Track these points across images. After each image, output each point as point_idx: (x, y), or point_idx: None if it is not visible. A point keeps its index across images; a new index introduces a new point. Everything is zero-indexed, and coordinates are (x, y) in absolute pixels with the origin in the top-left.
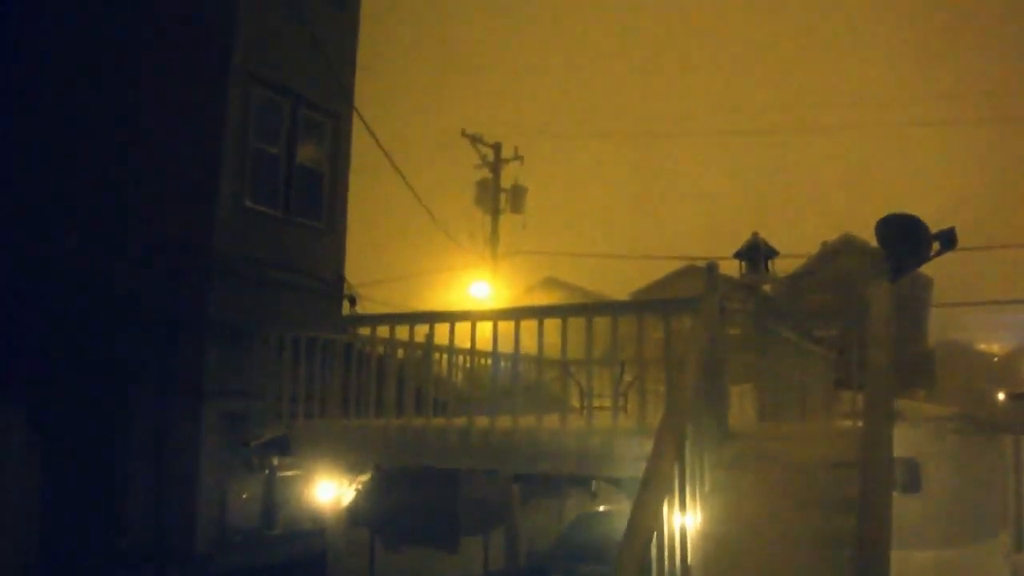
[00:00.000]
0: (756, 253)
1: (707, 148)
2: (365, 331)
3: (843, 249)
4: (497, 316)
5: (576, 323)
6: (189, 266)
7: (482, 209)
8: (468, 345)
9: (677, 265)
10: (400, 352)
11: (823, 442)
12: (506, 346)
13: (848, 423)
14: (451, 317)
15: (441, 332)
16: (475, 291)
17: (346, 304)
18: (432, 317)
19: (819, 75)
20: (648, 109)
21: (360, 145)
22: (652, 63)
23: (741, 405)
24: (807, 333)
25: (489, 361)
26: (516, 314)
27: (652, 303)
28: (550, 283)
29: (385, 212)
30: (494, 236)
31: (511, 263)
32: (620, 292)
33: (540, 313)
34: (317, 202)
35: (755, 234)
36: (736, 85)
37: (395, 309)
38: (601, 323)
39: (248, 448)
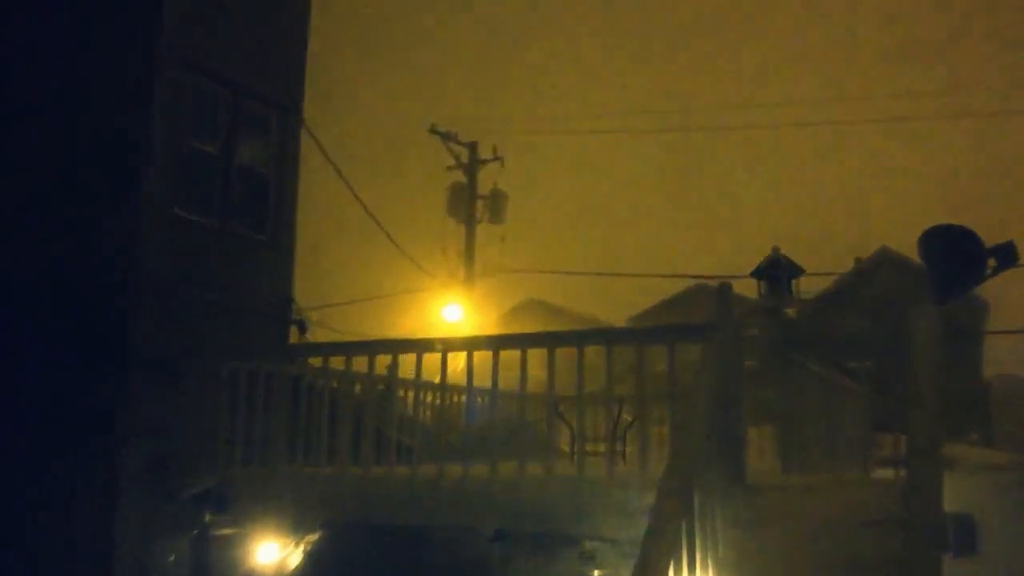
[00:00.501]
0: (777, 271)
1: (723, 146)
2: (316, 362)
3: (880, 266)
4: (472, 345)
5: (565, 353)
6: (108, 285)
7: (455, 218)
8: (438, 379)
9: (684, 285)
10: (357, 387)
11: (859, 495)
12: (483, 380)
13: (888, 472)
14: (418, 346)
15: (406, 364)
16: (447, 315)
17: (294, 331)
18: (395, 346)
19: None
20: (650, 102)
21: (314, 145)
22: (657, 48)
23: (761, 450)
24: (838, 365)
25: (463, 398)
26: (494, 342)
27: (655, 330)
28: (535, 306)
29: (343, 224)
30: (469, 251)
31: (489, 282)
32: (617, 317)
33: (523, 341)
34: (261, 211)
35: (776, 249)
36: (755, 75)
37: (353, 337)
38: (595, 353)
39: (176, 501)
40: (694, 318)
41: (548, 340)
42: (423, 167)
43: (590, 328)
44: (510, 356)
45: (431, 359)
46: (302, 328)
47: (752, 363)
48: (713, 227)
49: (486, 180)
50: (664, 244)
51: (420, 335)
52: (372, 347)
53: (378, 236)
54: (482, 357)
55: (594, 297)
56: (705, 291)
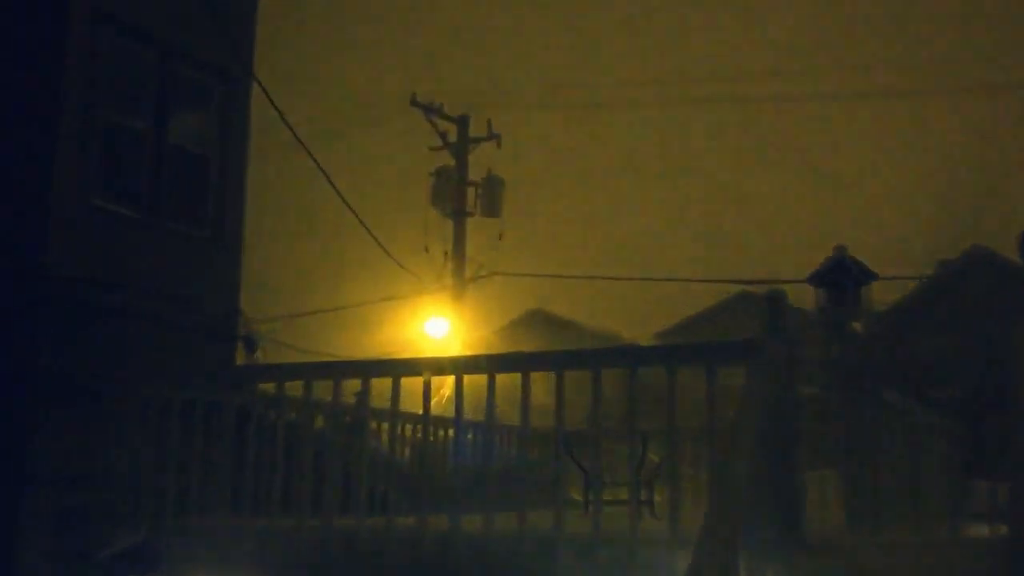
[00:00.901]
0: (842, 275)
1: (772, 122)
2: (269, 388)
3: (971, 269)
4: (462, 367)
5: (577, 378)
6: (7, 292)
7: (441, 211)
8: (420, 409)
9: (724, 294)
10: (320, 420)
11: (948, 558)
12: (475, 411)
13: (985, 529)
14: (395, 368)
15: (381, 390)
16: (431, 330)
17: (241, 349)
18: (367, 368)
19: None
20: (673, 68)
21: (267, 120)
22: (673, 10)
23: (822, 501)
24: (919, 394)
25: (450, 433)
26: (490, 364)
27: (688, 348)
28: (538, 319)
29: (305, 218)
30: (458, 250)
31: (483, 289)
32: (642, 333)
33: (525, 362)
34: (201, 201)
35: (840, 248)
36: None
37: (314, 357)
38: (614, 378)
39: (90, 563)
40: (737, 334)
41: (556, 361)
42: (403, 148)
43: (608, 347)
44: (509, 381)
45: (412, 384)
46: (251, 346)
47: (811, 391)
48: (760, 221)
49: (479, 164)
50: (698, 242)
51: (398, 354)
52: (338, 369)
53: (347, 233)
54: (475, 382)
55: (612, 309)
56: (750, 301)
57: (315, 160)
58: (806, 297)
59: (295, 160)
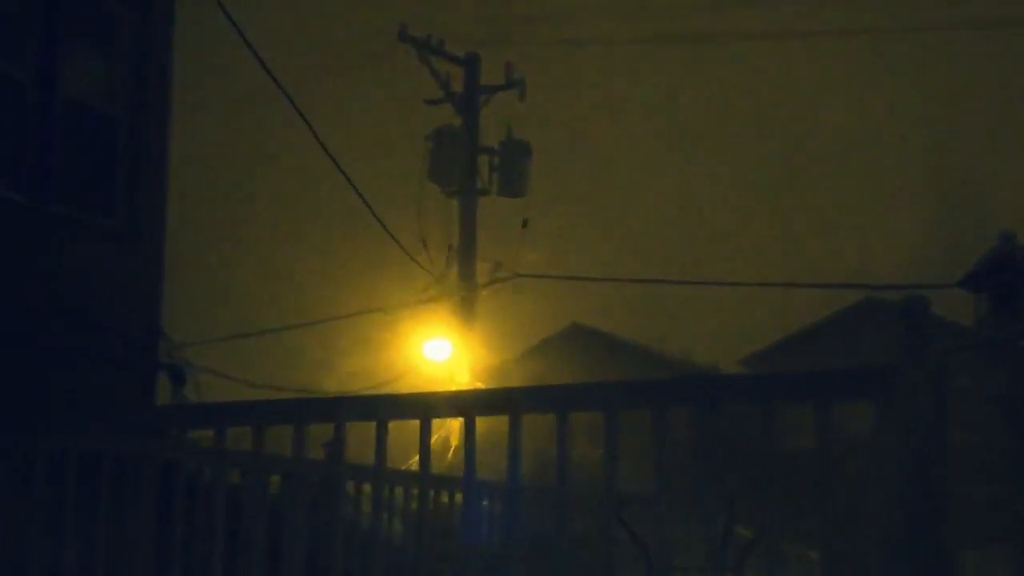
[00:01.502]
0: (1010, 274)
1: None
2: (204, 436)
3: None
4: (475, 405)
5: (634, 419)
6: None
7: (443, 187)
8: (415, 465)
9: (837, 303)
10: (276, 481)
11: None
12: (493, 466)
13: None
14: (380, 408)
15: (361, 438)
16: (431, 352)
17: (164, 382)
18: (342, 408)
19: None
20: None
21: (196, 69)
22: None
23: None
24: None
25: (458, 498)
26: (513, 401)
27: (790, 379)
28: (578, 337)
29: (255, 203)
30: (467, 244)
31: (502, 297)
32: (724, 357)
33: (563, 399)
34: (107, 178)
35: (1007, 237)
36: None
37: (269, 393)
38: (684, 420)
39: None
40: (859, 358)
41: (607, 396)
42: (389, 101)
43: (678, 376)
44: (539, 425)
45: (404, 431)
46: (178, 378)
47: (970, 437)
48: (885, 201)
49: (495, 123)
50: (798, 233)
51: (385, 388)
52: (301, 410)
53: (313, 221)
54: (492, 427)
55: (680, 325)
56: (877, 313)
57: (302, 114)
58: (958, 306)
59: (237, 121)
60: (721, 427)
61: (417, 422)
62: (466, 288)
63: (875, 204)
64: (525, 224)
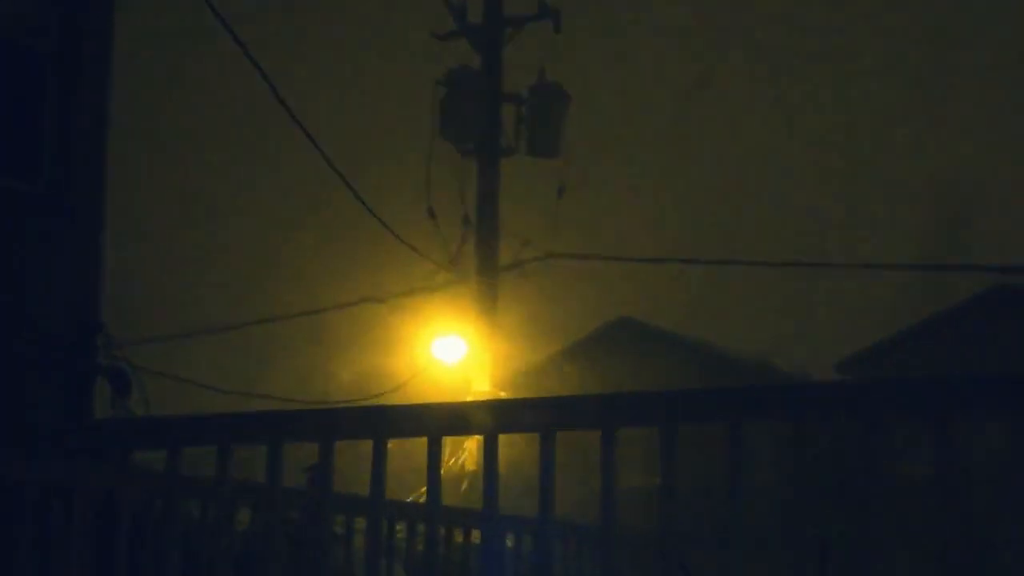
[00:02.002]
0: None
1: None
2: (155, 458)
3: None
4: (497, 419)
5: (700, 438)
6: None
7: (456, 145)
8: (421, 494)
9: (961, 291)
10: (245, 515)
11: None
12: (519, 498)
13: None
14: (377, 422)
15: (353, 460)
16: (442, 352)
17: (103, 388)
18: (329, 422)
19: None
20: None
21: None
22: None
23: None
24: None
25: (476, 537)
26: (541, 413)
27: (898, 387)
28: (627, 333)
29: (221, 167)
30: (487, 215)
31: (531, 284)
32: (813, 359)
33: (605, 412)
34: (31, 130)
35: None
36: None
37: (237, 403)
38: (757, 436)
39: None
40: (990, 362)
41: (664, 408)
42: (389, 36)
43: (757, 384)
44: (578, 445)
45: (406, 451)
46: (122, 384)
47: None
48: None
49: (522, 64)
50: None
51: (383, 398)
52: (279, 425)
53: (292, 192)
54: (517, 446)
55: (758, 321)
56: (1007, 303)
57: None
58: None
59: (190, 67)
60: (813, 448)
61: (424, 441)
62: (486, 272)
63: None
64: (561, 192)
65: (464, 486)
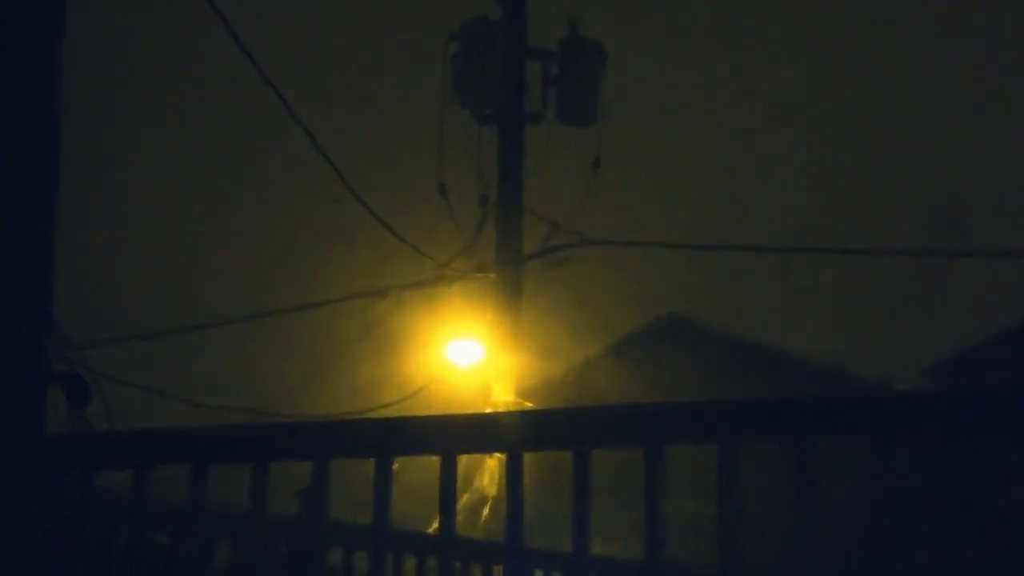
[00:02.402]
0: None
1: None
2: (119, 479)
3: None
4: (519, 434)
5: (763, 456)
6: None
7: (471, 109)
8: (433, 524)
9: None
10: (226, 548)
11: None
12: (550, 530)
13: None
14: (381, 435)
15: (353, 482)
16: (457, 356)
17: (55, 396)
18: (323, 438)
19: None
20: None
21: None
22: None
23: None
24: None
25: (497, 573)
26: (577, 427)
27: (1004, 396)
28: (677, 333)
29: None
30: (509, 193)
31: (561, 276)
32: (898, 365)
33: (652, 425)
34: None
35: None
36: None
37: (214, 416)
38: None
39: None
40: None
41: (720, 420)
42: None
43: (833, 393)
44: (618, 464)
45: (416, 472)
46: (78, 393)
47: None
48: None
49: (550, 15)
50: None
51: (388, 410)
52: (264, 441)
53: (273, 166)
54: (544, 464)
55: (830, 321)
56: None
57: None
58: None
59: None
60: (901, 466)
61: (436, 460)
62: (507, 262)
63: None
64: (597, 164)
65: (485, 516)
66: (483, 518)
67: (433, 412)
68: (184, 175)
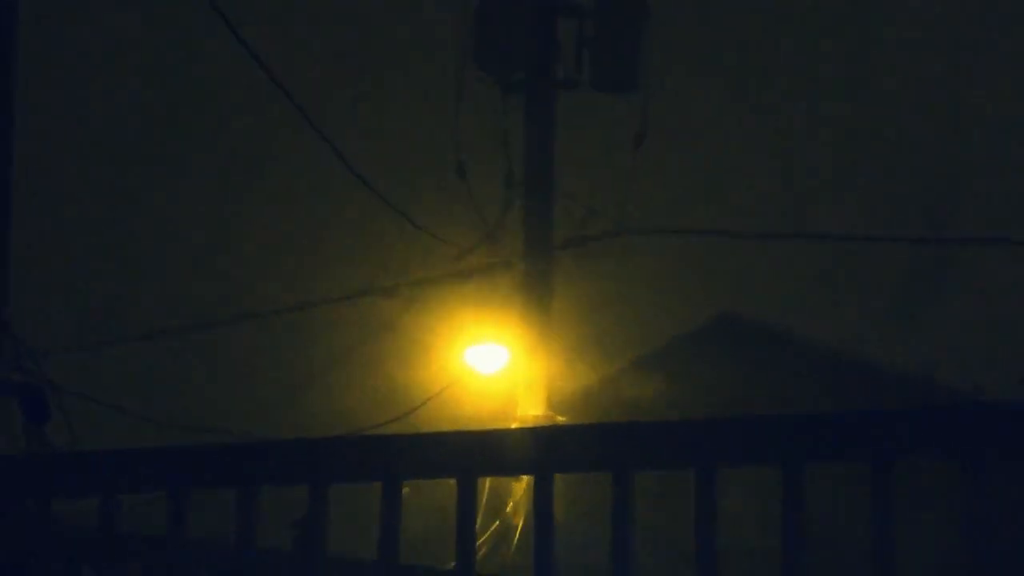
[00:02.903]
0: None
1: None
2: (85, 508)
3: None
4: (550, 457)
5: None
6: None
7: (491, 74)
8: (450, 559)
9: None
10: None
11: None
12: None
13: None
14: (388, 455)
15: (356, 509)
16: (478, 362)
17: (15, 416)
18: (320, 457)
19: None
20: None
21: None
22: None
23: None
24: None
25: None
26: (615, 444)
27: None
28: (732, 334)
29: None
30: (536, 172)
31: (598, 269)
32: (993, 374)
33: (700, 441)
34: None
35: None
36: None
37: (196, 434)
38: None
39: None
40: None
41: (786, 436)
42: None
43: (920, 404)
44: (660, 488)
45: (430, 496)
46: (36, 408)
47: None
48: None
49: None
50: None
51: (396, 425)
52: (251, 462)
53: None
54: (583, 487)
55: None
56: None
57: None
58: None
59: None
60: (997, 490)
61: (453, 483)
62: (536, 252)
63: None
64: (640, 141)
65: (513, 546)
66: (509, 555)
67: (449, 428)
68: (174, 165)
